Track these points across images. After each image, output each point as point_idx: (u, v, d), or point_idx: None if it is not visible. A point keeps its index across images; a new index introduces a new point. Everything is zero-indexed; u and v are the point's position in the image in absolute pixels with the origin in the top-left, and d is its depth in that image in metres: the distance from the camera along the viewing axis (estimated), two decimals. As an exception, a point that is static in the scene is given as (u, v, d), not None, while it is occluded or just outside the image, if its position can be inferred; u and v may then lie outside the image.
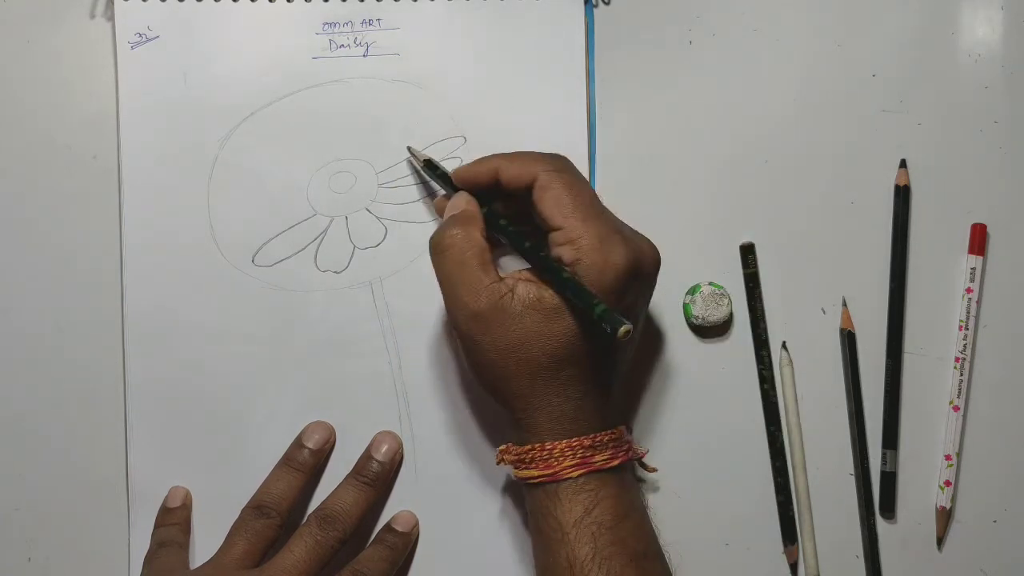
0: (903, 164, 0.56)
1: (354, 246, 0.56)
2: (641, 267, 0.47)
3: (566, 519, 0.46)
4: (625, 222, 0.49)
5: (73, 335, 0.55)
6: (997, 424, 0.56)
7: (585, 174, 0.55)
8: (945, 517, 0.56)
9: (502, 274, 0.48)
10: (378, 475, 0.54)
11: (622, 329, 0.42)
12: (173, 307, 0.55)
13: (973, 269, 0.56)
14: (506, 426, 0.49)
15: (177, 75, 0.56)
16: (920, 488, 0.56)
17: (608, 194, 0.56)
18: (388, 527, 0.54)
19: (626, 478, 0.49)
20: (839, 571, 0.56)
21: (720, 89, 0.57)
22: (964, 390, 0.56)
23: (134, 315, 0.55)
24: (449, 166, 0.54)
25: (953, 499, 0.56)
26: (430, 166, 0.54)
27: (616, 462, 0.47)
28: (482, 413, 0.55)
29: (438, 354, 0.55)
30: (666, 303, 0.56)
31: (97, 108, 0.56)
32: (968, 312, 0.56)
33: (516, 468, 0.48)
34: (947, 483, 0.56)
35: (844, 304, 0.56)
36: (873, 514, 0.56)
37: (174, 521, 0.54)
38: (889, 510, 0.56)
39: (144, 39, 0.56)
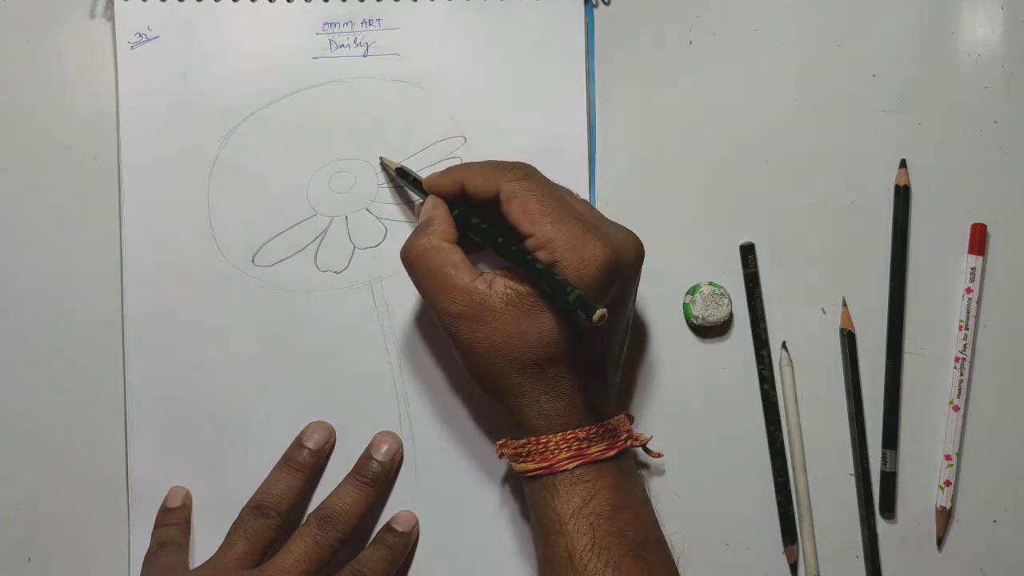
0: (903, 164, 0.56)
1: (354, 246, 0.56)
2: (621, 260, 0.47)
3: (564, 510, 0.47)
4: (607, 216, 0.49)
5: (73, 335, 0.55)
6: (997, 424, 0.56)
7: (585, 174, 0.55)
8: (945, 517, 0.56)
9: (483, 272, 0.48)
10: (378, 475, 0.54)
11: (596, 314, 0.42)
12: (173, 307, 0.55)
13: (973, 269, 0.56)
14: (505, 423, 0.50)
15: (177, 75, 0.56)
16: (920, 488, 0.56)
17: (608, 194, 0.56)
18: (388, 527, 0.54)
19: (625, 467, 0.49)
20: (839, 571, 0.56)
21: (720, 89, 0.57)
22: (964, 390, 0.56)
23: (134, 315, 0.55)
24: (449, 166, 0.54)
25: (953, 499, 0.56)
26: (402, 173, 0.54)
27: (613, 452, 0.47)
28: (482, 413, 0.55)
29: (438, 354, 0.55)
30: (666, 303, 0.56)
31: (97, 108, 0.56)
32: (968, 312, 0.56)
33: (514, 461, 0.49)
34: (947, 483, 0.56)
35: (844, 304, 0.56)
36: (873, 514, 0.56)
37: (174, 521, 0.54)
38: (889, 510, 0.56)
39: (144, 39, 0.56)
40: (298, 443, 0.55)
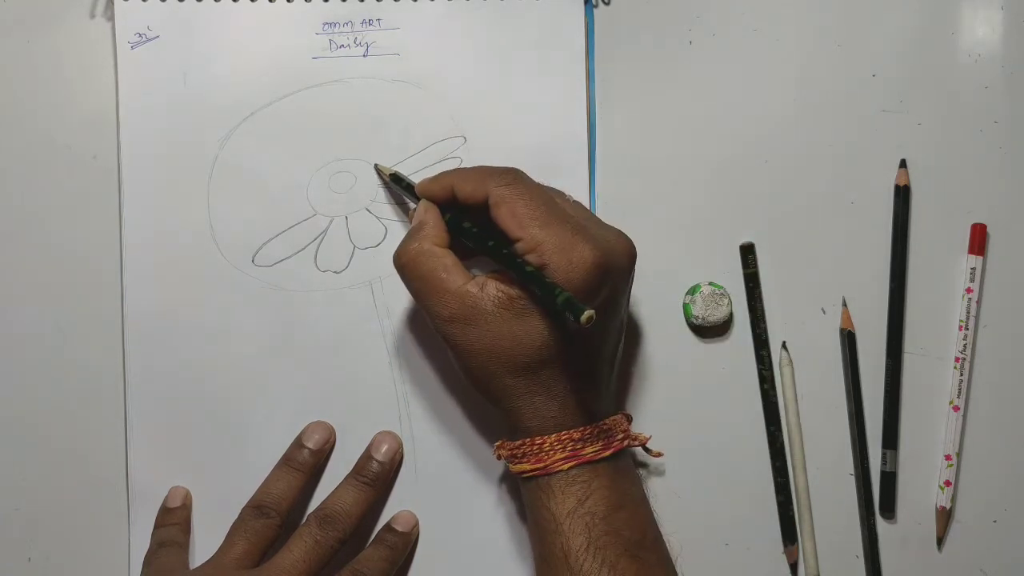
0: (903, 164, 0.56)
1: (354, 246, 0.56)
2: (610, 262, 0.47)
3: (559, 510, 0.47)
4: (607, 217, 0.49)
5: (73, 335, 0.55)
6: (997, 424, 0.56)
7: (585, 174, 0.55)
8: (945, 517, 0.56)
9: (475, 275, 0.48)
10: (378, 475, 0.54)
11: (584, 315, 0.42)
12: (173, 307, 0.55)
13: (973, 269, 0.56)
14: (504, 424, 0.50)
15: (177, 75, 0.56)
16: (920, 488, 0.56)
17: (608, 194, 0.56)
18: (388, 527, 0.54)
19: (621, 467, 0.49)
20: (839, 571, 0.56)
21: (720, 89, 0.57)
22: (964, 390, 0.56)
23: (134, 315, 0.55)
24: (449, 166, 0.54)
25: (953, 499, 0.56)
26: (396, 179, 0.54)
27: (608, 452, 0.48)
28: (481, 413, 0.55)
29: (438, 354, 0.55)
30: (666, 303, 0.56)
31: (97, 108, 0.56)
32: (968, 312, 0.56)
33: (511, 463, 0.49)
34: (947, 483, 0.56)
35: (844, 304, 0.56)
36: (873, 514, 0.56)
37: (174, 521, 0.54)
38: (889, 510, 0.56)
39: (144, 39, 0.56)
40: (298, 443, 0.55)
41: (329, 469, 0.55)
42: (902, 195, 0.56)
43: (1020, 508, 0.56)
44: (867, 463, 0.56)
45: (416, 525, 0.55)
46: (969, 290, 0.56)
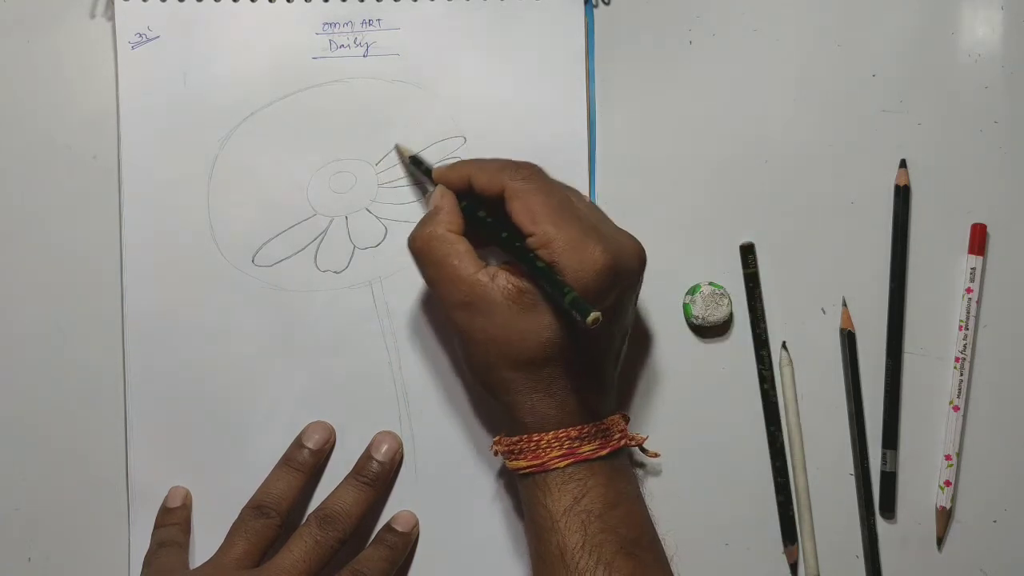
0: (903, 164, 0.56)
1: (354, 246, 0.56)
2: (621, 264, 0.47)
3: (555, 508, 0.47)
4: (612, 220, 0.49)
5: (73, 335, 0.55)
6: (997, 424, 0.56)
7: (585, 174, 0.55)
8: (945, 517, 0.56)
9: (488, 265, 0.48)
10: (378, 475, 0.54)
11: (591, 316, 0.42)
12: (173, 307, 0.55)
13: (973, 269, 0.56)
14: (503, 422, 0.50)
15: (177, 75, 0.56)
16: (920, 488, 0.56)
17: (608, 194, 0.56)
18: (388, 527, 0.54)
19: (618, 466, 0.49)
20: (839, 571, 0.56)
21: (720, 89, 0.57)
22: (964, 390, 0.56)
23: (134, 315, 0.55)
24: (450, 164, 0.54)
25: (953, 499, 0.56)
26: (415, 162, 0.54)
27: (604, 451, 0.48)
28: (482, 413, 0.55)
29: (438, 354, 0.55)
30: (666, 303, 0.56)
31: (97, 108, 0.56)
32: (968, 312, 0.56)
33: (508, 459, 0.49)
34: (947, 483, 0.56)
35: (844, 304, 0.56)
36: (873, 514, 0.56)
37: (174, 521, 0.54)
38: (889, 510, 0.56)
39: (144, 39, 0.56)
40: (298, 443, 0.55)
41: (329, 469, 0.55)
42: (902, 195, 0.56)
43: (1020, 508, 0.56)
44: (867, 463, 0.56)
45: (416, 525, 0.55)
46: (969, 290, 0.56)
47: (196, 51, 0.56)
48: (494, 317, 0.47)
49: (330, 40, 0.56)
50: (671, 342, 0.56)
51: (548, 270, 0.45)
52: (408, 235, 0.50)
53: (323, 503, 0.53)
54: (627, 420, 0.51)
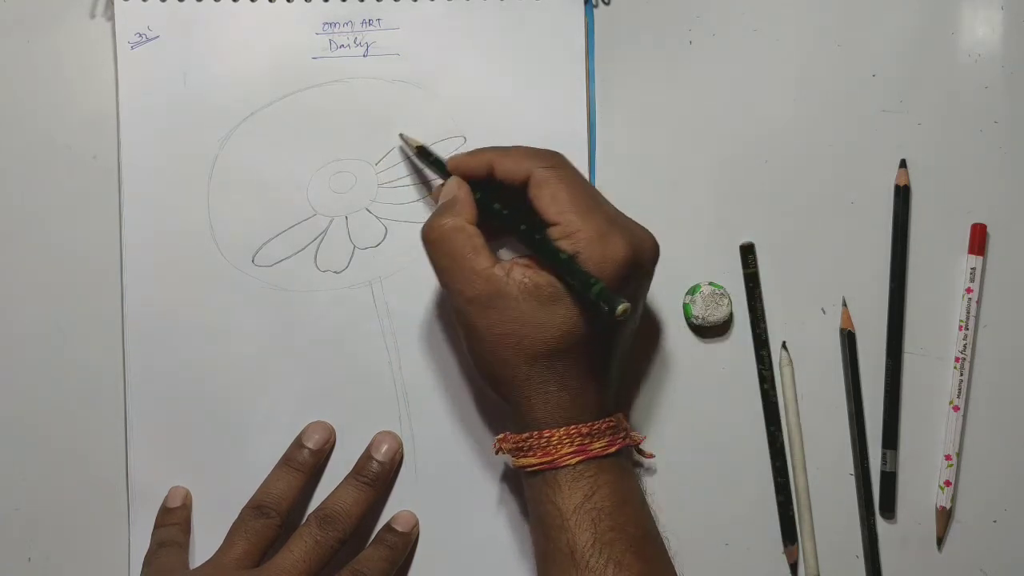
0: (903, 164, 0.56)
1: (354, 246, 0.56)
2: (641, 258, 0.47)
3: (566, 505, 0.46)
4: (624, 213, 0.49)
5: (73, 335, 0.55)
6: (997, 424, 0.56)
7: (585, 174, 0.55)
8: (945, 517, 0.56)
9: (501, 259, 0.48)
10: (378, 475, 0.54)
11: (620, 307, 0.42)
12: (173, 307, 0.55)
13: (973, 269, 0.56)
14: (506, 422, 0.49)
15: (177, 75, 0.56)
16: (920, 488, 0.56)
17: (608, 194, 0.56)
18: (388, 527, 0.54)
19: (624, 464, 0.49)
20: (839, 571, 0.56)
21: (720, 89, 0.57)
22: (964, 390, 0.56)
23: (134, 315, 0.55)
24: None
25: (953, 499, 0.56)
26: (423, 153, 0.54)
27: (614, 448, 0.47)
28: (482, 413, 0.55)
29: (438, 354, 0.55)
30: (666, 303, 0.56)
31: (97, 108, 0.56)
32: (968, 312, 0.56)
33: (514, 456, 0.48)
34: (947, 483, 0.56)
35: (844, 304, 0.56)
36: (873, 514, 0.56)
37: (174, 521, 0.54)
38: (889, 510, 0.56)
39: (144, 39, 0.56)
40: (298, 443, 0.55)
41: (329, 469, 0.55)
42: (902, 195, 0.56)
43: (1020, 508, 0.56)
44: (867, 463, 0.56)
45: (416, 525, 0.55)
46: (969, 290, 0.56)
47: (196, 51, 0.56)
48: (509, 312, 0.46)
49: (330, 40, 0.56)
50: (671, 342, 0.56)
51: (572, 262, 0.45)
52: (424, 224, 0.49)
53: (323, 503, 0.53)
54: (627, 417, 0.51)
